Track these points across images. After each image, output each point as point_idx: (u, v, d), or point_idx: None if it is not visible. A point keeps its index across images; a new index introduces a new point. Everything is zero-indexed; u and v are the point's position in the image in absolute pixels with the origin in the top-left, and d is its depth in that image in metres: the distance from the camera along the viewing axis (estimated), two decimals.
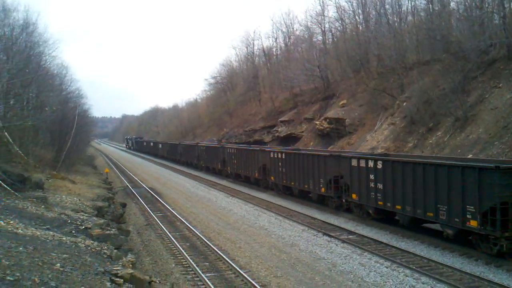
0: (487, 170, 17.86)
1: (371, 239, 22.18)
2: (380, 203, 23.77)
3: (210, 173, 57.46)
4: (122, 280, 11.75)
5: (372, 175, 24.11)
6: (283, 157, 35.43)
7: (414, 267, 17.61)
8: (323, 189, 29.61)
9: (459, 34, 39.01)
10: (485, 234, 17.81)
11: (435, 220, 20.27)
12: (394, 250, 20.21)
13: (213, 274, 17.84)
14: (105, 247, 14.93)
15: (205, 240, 22.87)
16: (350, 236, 23.03)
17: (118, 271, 12.26)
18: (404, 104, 41.50)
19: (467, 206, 18.29)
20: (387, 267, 17.98)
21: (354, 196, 26.05)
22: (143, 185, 47.74)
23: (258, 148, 43.49)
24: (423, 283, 16.09)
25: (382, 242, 21.46)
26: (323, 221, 26.55)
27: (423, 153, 31.59)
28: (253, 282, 16.33)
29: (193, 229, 25.60)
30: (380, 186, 23.52)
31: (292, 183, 34.27)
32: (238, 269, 17.97)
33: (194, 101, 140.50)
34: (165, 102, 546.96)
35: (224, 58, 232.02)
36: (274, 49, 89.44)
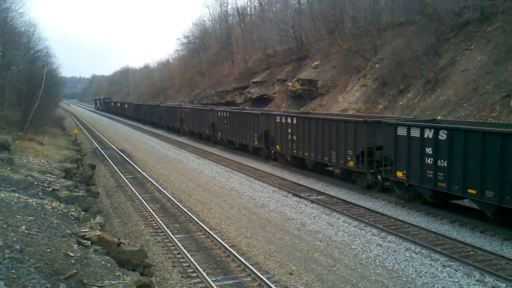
0: (359, 123, 23.36)
1: (340, 199, 22.48)
2: (294, 151, 29.22)
3: (171, 131, 61.90)
4: (89, 242, 11.55)
5: (290, 129, 28.81)
6: (228, 115, 40.91)
7: (381, 226, 17.94)
8: (256, 142, 35.31)
9: None
10: (358, 171, 23.59)
11: (329, 163, 26.21)
12: (362, 210, 20.54)
13: (183, 235, 17.82)
14: (73, 209, 14.64)
15: (176, 201, 22.78)
16: (320, 197, 23.25)
17: (86, 233, 12.06)
18: (377, 65, 41.52)
19: (348, 151, 24.04)
20: (354, 227, 18.27)
21: (278, 147, 30.79)
22: (113, 147, 47.14)
23: (208, 108, 49.00)
24: (389, 242, 16.41)
25: (350, 202, 21.78)
26: (294, 182, 26.73)
27: (393, 115, 31.79)
28: (223, 243, 16.38)
29: (163, 190, 25.45)
30: (294, 138, 27.96)
31: (234, 138, 39.73)
32: (208, 230, 18.00)
33: (166, 61, 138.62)
34: (136, 62, 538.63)
35: (197, 17, 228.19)
36: (248, 9, 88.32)
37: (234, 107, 52.18)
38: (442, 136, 18.24)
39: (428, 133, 18.82)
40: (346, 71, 46.64)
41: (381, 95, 38.01)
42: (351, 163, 24.02)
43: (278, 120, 31.33)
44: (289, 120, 30.00)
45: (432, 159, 18.70)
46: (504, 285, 12.71)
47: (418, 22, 39.66)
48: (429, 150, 18.81)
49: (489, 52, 30.77)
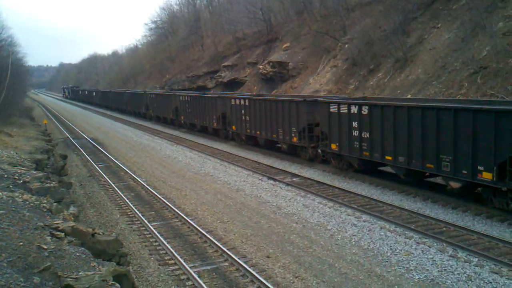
0: (300, 102, 26.26)
1: (315, 181, 22.61)
2: (248, 131, 31.51)
3: (137, 117, 64.47)
4: (63, 233, 11.39)
5: (243, 111, 30.26)
6: (189, 100, 43.66)
7: (355, 206, 18.16)
8: (214, 124, 38.03)
9: None
10: (302, 146, 26.67)
11: (277, 140, 28.97)
12: (336, 191, 20.70)
13: (159, 223, 17.74)
14: (45, 201, 14.40)
15: (150, 189, 22.62)
16: (294, 179, 23.37)
17: (59, 225, 11.88)
18: (346, 46, 41.65)
19: (292, 128, 26.80)
20: (330, 208, 18.43)
21: (233, 127, 32.44)
22: (84, 136, 46.46)
23: (170, 93, 51.62)
24: (364, 221, 16.63)
25: (325, 184, 21.93)
26: (268, 165, 26.81)
27: (364, 94, 32.01)
28: (199, 229, 16.37)
29: (137, 178, 25.22)
30: (247, 118, 29.44)
31: (196, 121, 42.57)
32: (184, 216, 17.96)
33: (135, 47, 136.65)
34: (105, 49, 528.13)
35: (164, 1, 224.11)
36: None
37: (195, 91, 54.12)
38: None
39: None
40: (316, 52, 46.67)
41: (351, 76, 38.20)
42: (295, 139, 26.93)
43: (233, 102, 33.64)
44: (242, 102, 32.40)
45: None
46: (476, 259, 12.98)
47: (386, 1, 39.82)
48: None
49: (456, 30, 31.10)
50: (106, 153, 34.67)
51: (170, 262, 14.03)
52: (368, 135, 20.87)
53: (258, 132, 30.74)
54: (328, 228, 16.23)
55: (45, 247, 9.93)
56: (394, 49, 34.55)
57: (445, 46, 30.76)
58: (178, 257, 13.97)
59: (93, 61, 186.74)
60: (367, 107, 20.87)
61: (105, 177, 26.14)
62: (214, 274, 13.09)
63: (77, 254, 10.17)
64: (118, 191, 22.67)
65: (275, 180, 23.27)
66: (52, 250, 9.85)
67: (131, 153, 34.80)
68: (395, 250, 13.99)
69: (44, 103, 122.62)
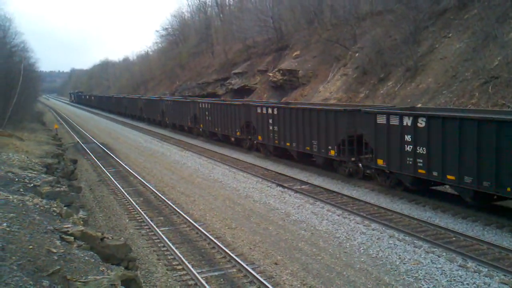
0: (240, 105, 34.70)
1: (323, 188, 22.54)
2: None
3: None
4: (72, 237, 11.46)
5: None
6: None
7: (364, 214, 18.05)
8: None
9: None
10: (243, 138, 34.84)
11: (230, 135, 37.08)
12: (345, 199, 20.62)
13: (167, 228, 17.76)
14: (55, 205, 14.50)
15: (159, 194, 22.67)
16: (303, 186, 23.30)
17: (69, 229, 11.95)
18: (357, 54, 41.64)
19: (235, 128, 35.32)
20: (338, 215, 18.35)
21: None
22: (94, 141, 46.70)
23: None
24: (373, 230, 16.53)
25: (333, 191, 21.84)
26: (277, 172, 26.78)
27: (374, 103, 31.98)
28: (207, 235, 16.36)
29: (146, 183, 25.30)
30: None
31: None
32: (192, 222, 17.96)
33: (146, 54, 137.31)
34: (116, 55, 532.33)
35: (175, 9, 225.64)
36: (227, 0, 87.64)
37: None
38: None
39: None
40: (326, 60, 46.70)
41: (361, 84, 38.15)
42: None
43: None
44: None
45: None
46: (486, 269, 12.87)
47: (397, 10, 39.81)
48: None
49: (467, 39, 31.02)
50: (115, 157, 34.80)
51: (178, 267, 14.04)
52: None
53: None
54: (336, 235, 16.17)
55: (54, 250, 9.99)
56: (404, 58, 34.50)
57: (456, 55, 30.67)
58: (186, 263, 13.96)
59: (104, 67, 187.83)
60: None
61: (115, 181, 26.25)
62: (221, 280, 13.06)
63: (86, 258, 10.21)
64: (127, 195, 22.74)
65: (284, 187, 23.26)
66: (62, 254, 9.90)
67: (141, 158, 34.89)
68: (404, 259, 13.88)
69: (55, 108, 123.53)
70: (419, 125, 18.47)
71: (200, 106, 42.80)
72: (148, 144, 42.82)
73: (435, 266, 13.29)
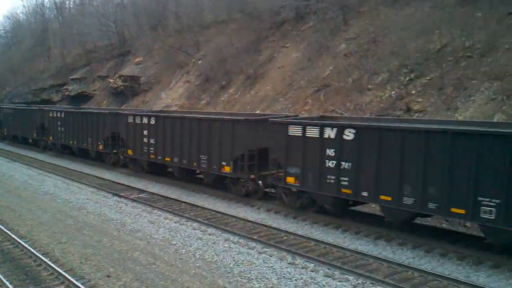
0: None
1: (161, 196, 22.16)
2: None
3: None
4: None
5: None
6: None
7: (201, 220, 17.95)
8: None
9: None
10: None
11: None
12: (183, 205, 20.42)
13: None
14: None
15: None
16: (141, 195, 22.66)
17: None
18: (200, 62, 41.65)
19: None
20: (176, 222, 18.04)
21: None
22: None
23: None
24: (209, 234, 16.45)
25: (171, 198, 21.55)
26: (114, 182, 25.77)
27: (215, 110, 32.05)
28: (33, 251, 14.92)
29: None
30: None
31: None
32: (17, 239, 16.25)
33: None
34: None
35: (9, 9, 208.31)
36: (67, 2, 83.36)
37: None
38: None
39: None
40: (169, 67, 46.16)
41: (204, 91, 38.16)
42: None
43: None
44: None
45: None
46: (313, 265, 13.39)
47: (240, 20, 40.60)
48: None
49: (303, 50, 32.55)
50: None
51: None
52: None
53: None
54: (173, 243, 15.75)
55: None
56: (245, 66, 35.20)
57: (293, 64, 31.97)
58: (7, 284, 12.49)
59: None
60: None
61: None
62: None
63: None
64: None
65: (120, 196, 22.39)
66: None
67: None
68: (238, 261, 13.91)
69: None
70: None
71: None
72: None
73: (266, 265, 13.49)
